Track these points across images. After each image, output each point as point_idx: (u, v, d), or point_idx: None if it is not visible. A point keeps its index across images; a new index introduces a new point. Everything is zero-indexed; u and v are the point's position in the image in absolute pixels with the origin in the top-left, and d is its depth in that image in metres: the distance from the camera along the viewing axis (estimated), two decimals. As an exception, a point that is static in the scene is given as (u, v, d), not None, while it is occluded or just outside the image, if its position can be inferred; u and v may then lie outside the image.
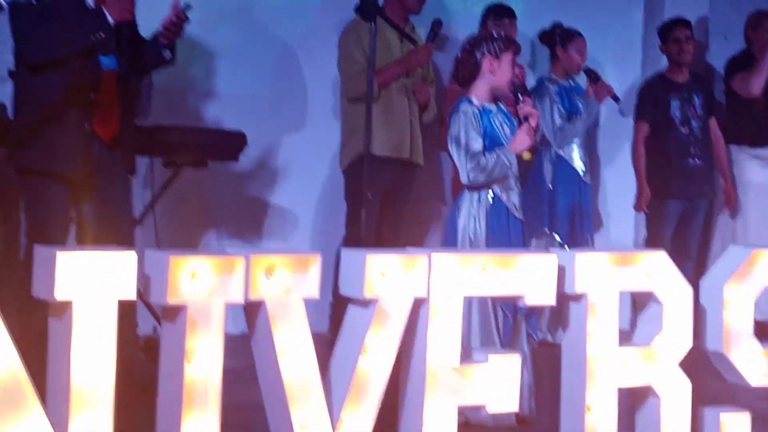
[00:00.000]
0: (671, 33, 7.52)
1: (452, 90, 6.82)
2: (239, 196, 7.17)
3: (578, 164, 7.18)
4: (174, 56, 5.32)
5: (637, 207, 7.39)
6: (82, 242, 5.16)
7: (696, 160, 7.35)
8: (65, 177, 5.02)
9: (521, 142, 4.91)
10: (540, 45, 7.63)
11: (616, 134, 7.93)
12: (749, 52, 7.83)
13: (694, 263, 7.31)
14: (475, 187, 4.98)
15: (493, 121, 5.03)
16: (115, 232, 5.10)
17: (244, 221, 7.20)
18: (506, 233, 4.90)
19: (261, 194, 7.25)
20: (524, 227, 5.00)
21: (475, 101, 5.05)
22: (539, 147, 5.06)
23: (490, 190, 4.95)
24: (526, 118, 4.92)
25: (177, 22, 5.15)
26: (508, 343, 4.77)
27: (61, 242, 4.91)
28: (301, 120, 7.29)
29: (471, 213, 4.96)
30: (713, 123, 7.46)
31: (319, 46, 7.09)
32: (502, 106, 5.17)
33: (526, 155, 4.90)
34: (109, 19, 4.96)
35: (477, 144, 4.96)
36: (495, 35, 5.17)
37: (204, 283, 3.33)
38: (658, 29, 7.70)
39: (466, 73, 5.13)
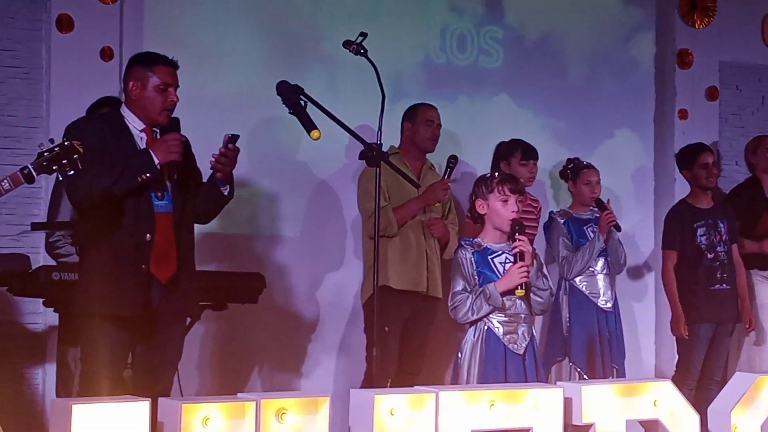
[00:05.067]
0: (698, 158, 7.43)
1: (468, 227, 6.96)
2: (264, 336, 7.21)
3: (601, 295, 7.20)
4: (232, 191, 5.25)
5: (674, 331, 7.38)
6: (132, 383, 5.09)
7: (723, 285, 7.35)
8: (122, 318, 4.97)
9: (509, 279, 5.05)
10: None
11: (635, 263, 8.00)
12: (754, 178, 7.87)
13: (718, 386, 7.29)
14: (466, 322, 5.10)
15: (493, 260, 5.14)
16: (154, 379, 5.07)
17: (274, 361, 7.23)
18: (502, 366, 4.97)
19: (287, 332, 7.28)
20: (528, 360, 5.02)
21: (470, 243, 5.18)
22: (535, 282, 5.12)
23: (486, 325, 5.05)
24: (521, 256, 5.04)
25: (227, 153, 5.12)
26: None
27: (111, 390, 4.80)
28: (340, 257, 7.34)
29: (470, 346, 5.08)
30: (735, 249, 7.46)
31: (347, 186, 7.14)
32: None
33: (519, 292, 5.01)
34: (156, 160, 4.95)
35: (458, 285, 5.11)
36: (486, 177, 5.30)
37: (216, 428, 3.43)
38: (680, 154, 7.65)
39: (474, 214, 5.30)
